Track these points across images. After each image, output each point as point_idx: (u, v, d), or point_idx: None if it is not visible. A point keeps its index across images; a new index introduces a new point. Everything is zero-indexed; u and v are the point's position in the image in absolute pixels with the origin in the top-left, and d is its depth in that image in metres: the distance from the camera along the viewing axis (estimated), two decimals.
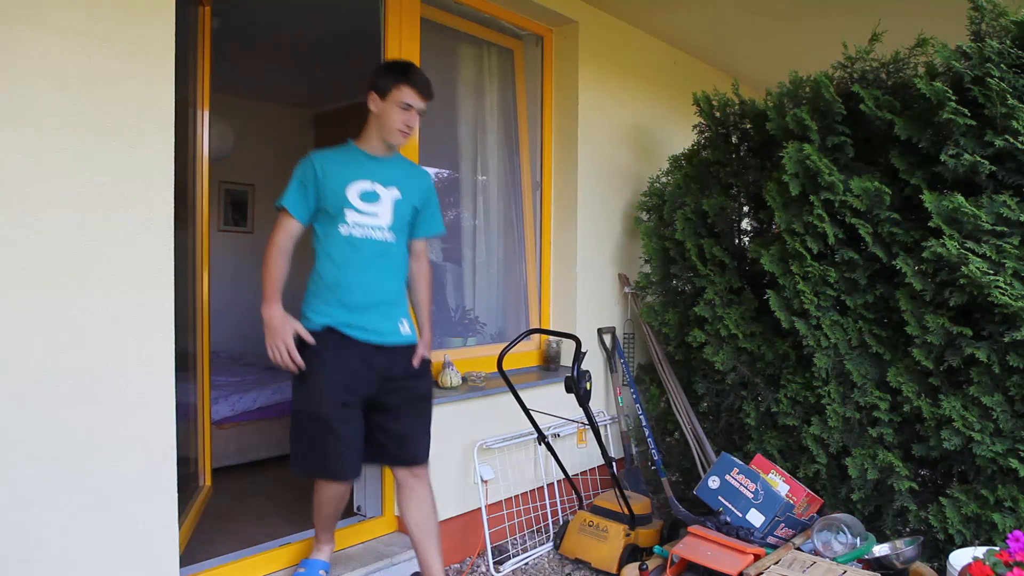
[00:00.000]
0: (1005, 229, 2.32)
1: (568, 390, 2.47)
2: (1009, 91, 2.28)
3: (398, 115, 2.13)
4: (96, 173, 1.81)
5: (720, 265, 3.17)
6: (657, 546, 2.77)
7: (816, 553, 2.54)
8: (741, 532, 2.61)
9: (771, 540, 2.65)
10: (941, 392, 2.51)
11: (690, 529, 2.58)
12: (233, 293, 5.19)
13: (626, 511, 2.90)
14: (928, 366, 2.51)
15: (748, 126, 3.19)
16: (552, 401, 3.18)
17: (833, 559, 2.46)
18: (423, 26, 2.89)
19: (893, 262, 2.56)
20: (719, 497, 2.75)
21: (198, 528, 2.63)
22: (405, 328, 2.24)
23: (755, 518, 2.66)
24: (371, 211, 2.15)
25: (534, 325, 3.56)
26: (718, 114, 3.25)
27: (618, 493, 2.89)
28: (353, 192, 2.13)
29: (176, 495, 1.99)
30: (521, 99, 3.55)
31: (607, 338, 3.69)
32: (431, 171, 2.93)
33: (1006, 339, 2.30)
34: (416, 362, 2.25)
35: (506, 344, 2.70)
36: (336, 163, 2.16)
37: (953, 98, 2.36)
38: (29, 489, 1.71)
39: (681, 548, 2.49)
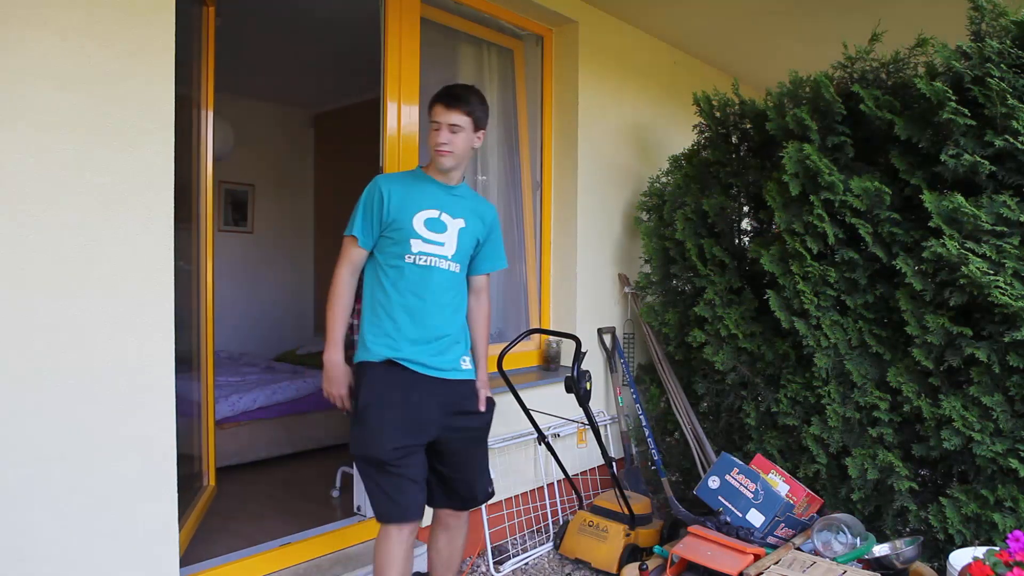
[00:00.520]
0: (1005, 229, 2.32)
1: (568, 390, 2.46)
2: (1009, 91, 2.28)
3: (432, 135, 2.08)
4: (96, 173, 1.81)
5: (720, 265, 3.17)
6: (657, 546, 2.77)
7: (816, 553, 2.54)
8: (741, 532, 2.61)
9: (771, 540, 2.65)
10: (941, 392, 2.51)
11: (690, 529, 2.58)
12: (233, 293, 5.19)
13: (626, 511, 2.90)
14: (928, 366, 2.51)
15: (748, 126, 3.19)
16: (552, 401, 3.17)
17: (833, 559, 2.46)
18: (423, 26, 2.89)
19: (893, 262, 2.56)
20: (719, 497, 2.75)
21: (200, 528, 2.63)
22: (467, 364, 2.16)
23: (755, 518, 2.66)
24: (437, 240, 2.07)
25: (534, 325, 3.55)
26: (718, 114, 3.25)
27: (618, 493, 2.89)
28: (419, 220, 2.06)
29: (176, 495, 1.98)
30: (521, 99, 3.54)
31: (607, 338, 3.69)
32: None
33: (1006, 339, 2.30)
34: (482, 405, 2.18)
35: (506, 344, 2.69)
36: (403, 187, 2.09)
37: (953, 98, 2.36)
38: (29, 489, 1.71)
39: (681, 548, 2.49)
